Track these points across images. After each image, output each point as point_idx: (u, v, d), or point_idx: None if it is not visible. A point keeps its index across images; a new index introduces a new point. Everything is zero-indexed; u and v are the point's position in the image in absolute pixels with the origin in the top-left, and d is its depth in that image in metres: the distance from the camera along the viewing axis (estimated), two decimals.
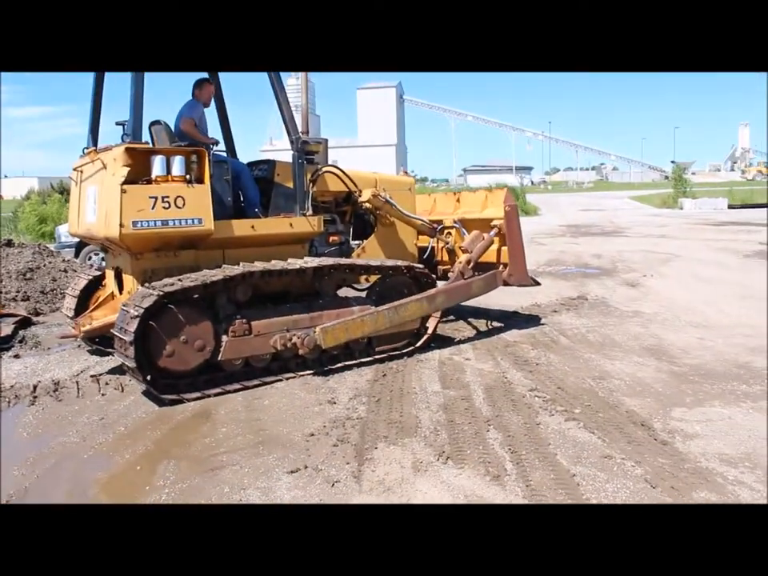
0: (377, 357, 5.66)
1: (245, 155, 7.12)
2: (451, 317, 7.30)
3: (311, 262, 5.44)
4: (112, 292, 5.83)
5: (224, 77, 6.61)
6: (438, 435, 3.93)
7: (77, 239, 9.69)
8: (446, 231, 7.04)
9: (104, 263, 6.84)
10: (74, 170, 5.95)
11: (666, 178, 69.92)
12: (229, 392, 4.88)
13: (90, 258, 11.29)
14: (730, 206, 30.60)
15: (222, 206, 5.42)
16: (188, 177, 5.05)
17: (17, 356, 6.26)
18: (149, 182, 4.96)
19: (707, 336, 6.27)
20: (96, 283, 6.28)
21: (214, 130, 6.43)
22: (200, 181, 5.12)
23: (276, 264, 5.23)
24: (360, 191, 6.54)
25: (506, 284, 6.56)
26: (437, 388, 4.87)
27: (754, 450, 3.61)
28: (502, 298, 8.01)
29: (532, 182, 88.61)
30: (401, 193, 6.91)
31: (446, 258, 7.14)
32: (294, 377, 5.18)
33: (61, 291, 8.81)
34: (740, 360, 5.41)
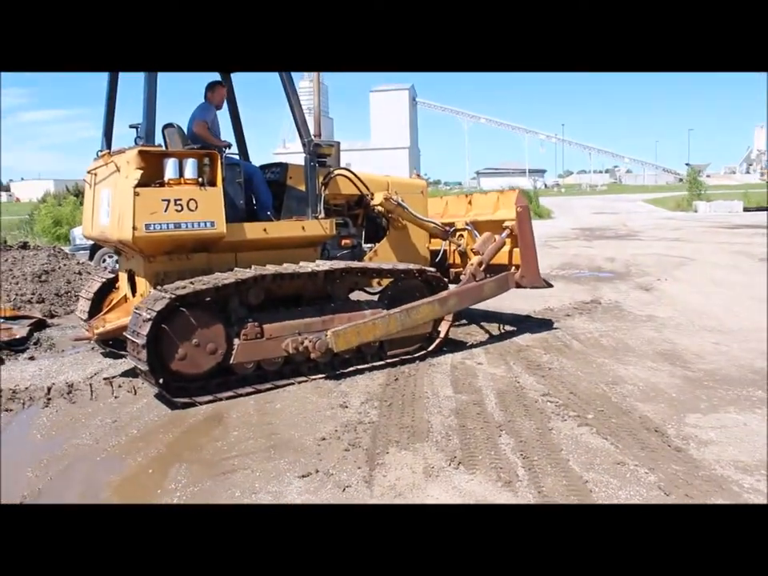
0: (389, 361, 5.64)
1: (257, 158, 7.15)
2: (463, 321, 7.28)
3: (323, 265, 5.44)
4: (125, 295, 5.87)
5: (236, 79, 6.64)
6: (450, 440, 3.91)
7: (91, 242, 9.77)
8: (457, 234, 7.00)
9: (118, 266, 6.88)
10: (88, 172, 6.00)
11: (681, 180, 69.36)
12: (241, 395, 4.89)
13: (104, 261, 11.35)
14: (746, 209, 30.29)
15: (234, 209, 5.45)
16: (200, 180, 5.07)
17: (32, 358, 6.33)
18: (161, 184, 4.98)
19: (722, 341, 6.20)
20: (109, 286, 6.32)
21: (227, 133, 6.48)
22: (212, 184, 5.14)
23: (288, 267, 5.23)
24: (372, 194, 6.55)
25: (518, 286, 6.51)
26: (449, 392, 4.85)
27: None
28: (515, 302, 7.99)
29: (545, 185, 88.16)
30: (413, 196, 6.90)
31: (458, 260, 7.11)
32: (306, 380, 5.18)
33: (75, 294, 8.88)
34: (755, 365, 5.34)
